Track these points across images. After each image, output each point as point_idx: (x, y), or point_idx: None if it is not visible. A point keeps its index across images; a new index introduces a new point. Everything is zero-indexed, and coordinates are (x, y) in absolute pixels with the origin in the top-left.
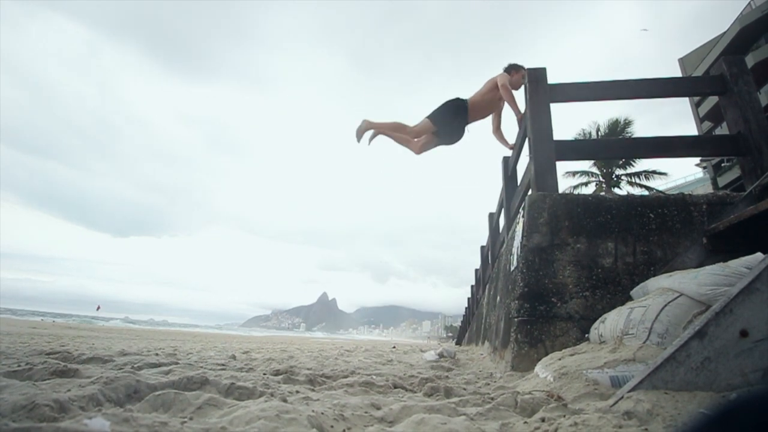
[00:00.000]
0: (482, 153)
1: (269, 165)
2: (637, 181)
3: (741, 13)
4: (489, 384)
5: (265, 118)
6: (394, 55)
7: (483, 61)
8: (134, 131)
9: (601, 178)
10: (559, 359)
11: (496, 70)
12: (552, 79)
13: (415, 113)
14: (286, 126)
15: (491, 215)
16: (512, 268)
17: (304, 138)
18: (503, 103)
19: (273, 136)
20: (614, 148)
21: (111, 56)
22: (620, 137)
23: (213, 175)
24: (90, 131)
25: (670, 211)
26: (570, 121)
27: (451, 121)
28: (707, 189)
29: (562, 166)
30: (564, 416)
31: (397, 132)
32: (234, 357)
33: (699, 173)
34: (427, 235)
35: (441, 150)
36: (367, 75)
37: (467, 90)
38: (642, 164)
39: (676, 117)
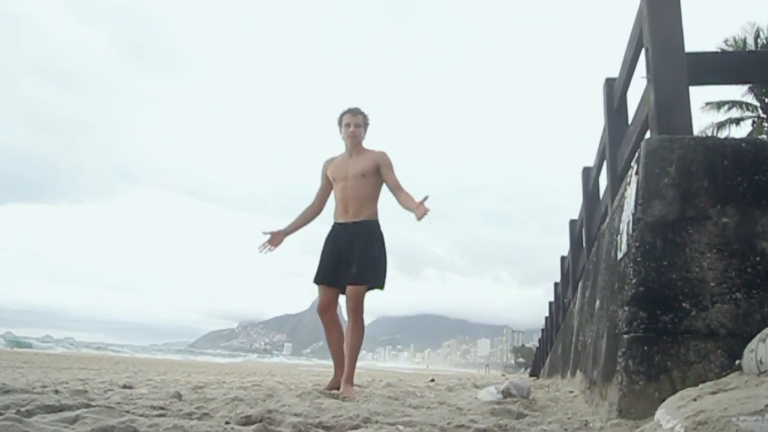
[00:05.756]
0: (573, 71)
1: (225, 92)
2: None
3: None
4: None
5: (216, 15)
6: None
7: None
8: (3, 32)
9: (762, 114)
10: (695, 399)
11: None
12: None
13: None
14: (252, 32)
15: (586, 171)
16: (620, 255)
17: (279, 55)
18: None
19: (231, 45)
20: None
21: None
22: None
23: (138, 105)
24: None
25: None
26: (709, 23)
27: None
28: None
29: (699, 94)
30: None
31: None
32: (179, 396)
33: None
34: (483, 202)
35: (505, 69)
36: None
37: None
38: None
39: None
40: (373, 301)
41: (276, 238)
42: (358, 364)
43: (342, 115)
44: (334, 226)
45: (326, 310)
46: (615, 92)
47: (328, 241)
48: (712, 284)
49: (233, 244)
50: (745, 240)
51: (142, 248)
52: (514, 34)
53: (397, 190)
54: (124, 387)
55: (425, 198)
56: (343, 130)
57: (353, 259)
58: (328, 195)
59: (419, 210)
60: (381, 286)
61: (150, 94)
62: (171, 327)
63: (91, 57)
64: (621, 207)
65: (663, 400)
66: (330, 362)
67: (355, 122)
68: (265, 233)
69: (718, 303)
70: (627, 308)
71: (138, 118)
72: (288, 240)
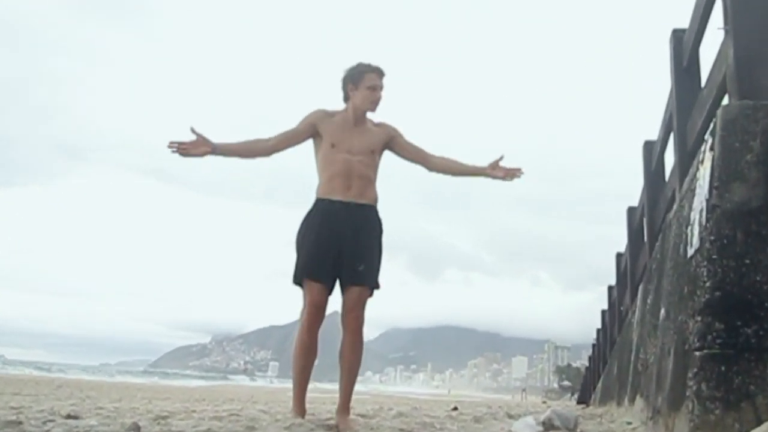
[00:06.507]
0: (631, 20)
1: (199, 49)
2: None
3: None
4: None
5: None
6: None
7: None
8: None
9: None
10: None
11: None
12: None
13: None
14: None
15: (648, 146)
16: (691, 251)
17: (270, 3)
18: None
19: None
20: None
21: None
22: None
23: (86, 62)
24: None
25: None
26: None
27: None
28: None
29: None
30: None
31: None
32: (137, 429)
33: None
34: (518, 184)
35: (546, 19)
36: None
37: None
38: None
39: None
40: (382, 310)
41: (197, 146)
42: (363, 388)
43: (364, 72)
44: (328, 203)
45: (319, 314)
46: (684, 47)
47: (323, 223)
48: None
49: (205, 238)
50: None
51: (91, 243)
52: None
53: (430, 156)
54: (68, 417)
55: (500, 158)
56: (364, 93)
57: (360, 252)
58: (294, 144)
59: (507, 172)
60: (377, 288)
61: (102, 49)
62: (127, 342)
63: (25, 1)
64: (692, 191)
65: None
66: (329, 386)
67: (381, 86)
68: (193, 132)
69: None
70: (699, 318)
71: (86, 79)
72: (271, 231)
